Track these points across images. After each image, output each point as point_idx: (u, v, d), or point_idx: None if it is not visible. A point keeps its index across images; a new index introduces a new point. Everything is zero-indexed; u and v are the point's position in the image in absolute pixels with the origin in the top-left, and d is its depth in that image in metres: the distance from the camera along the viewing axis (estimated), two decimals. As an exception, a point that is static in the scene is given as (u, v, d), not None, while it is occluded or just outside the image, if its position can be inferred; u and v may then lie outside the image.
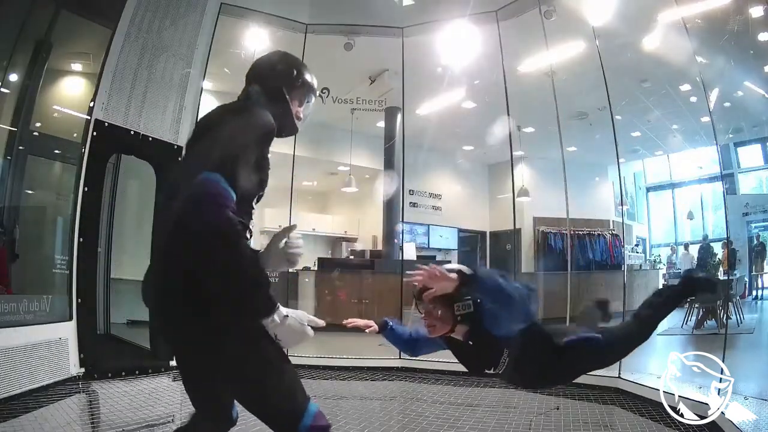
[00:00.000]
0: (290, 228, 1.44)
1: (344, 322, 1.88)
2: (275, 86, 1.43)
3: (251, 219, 1.33)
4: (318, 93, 1.58)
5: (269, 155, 1.35)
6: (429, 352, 1.90)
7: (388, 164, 7.82)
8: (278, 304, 1.20)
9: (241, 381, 1.25)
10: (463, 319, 1.61)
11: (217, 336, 1.20)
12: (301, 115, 1.51)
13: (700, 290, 2.30)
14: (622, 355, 2.19)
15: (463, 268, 1.50)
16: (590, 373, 3.84)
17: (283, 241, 1.43)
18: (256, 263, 1.25)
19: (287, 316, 1.21)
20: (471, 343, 1.68)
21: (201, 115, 4.73)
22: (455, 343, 1.73)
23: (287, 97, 1.45)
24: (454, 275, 1.47)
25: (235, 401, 1.39)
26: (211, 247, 1.10)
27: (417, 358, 4.71)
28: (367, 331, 1.87)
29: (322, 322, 1.30)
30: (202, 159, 1.20)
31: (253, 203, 1.33)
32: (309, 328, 1.26)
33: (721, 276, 8.36)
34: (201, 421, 1.41)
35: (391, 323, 1.90)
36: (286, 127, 1.47)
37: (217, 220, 1.09)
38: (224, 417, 1.40)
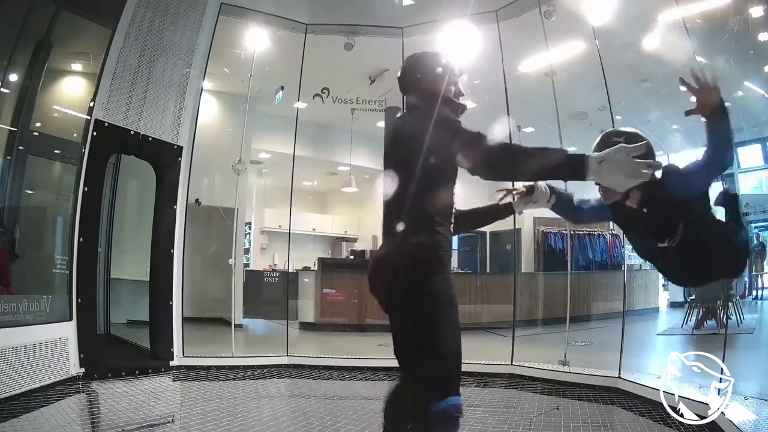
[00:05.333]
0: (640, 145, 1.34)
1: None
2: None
3: None
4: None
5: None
6: (592, 221, 2.13)
7: (388, 164, 7.81)
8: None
9: (421, 339, 1.47)
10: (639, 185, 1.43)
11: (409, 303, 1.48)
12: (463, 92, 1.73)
13: None
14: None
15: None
16: (590, 373, 3.87)
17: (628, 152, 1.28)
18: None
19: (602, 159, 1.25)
20: (645, 210, 1.71)
21: (201, 114, 4.77)
22: (626, 212, 1.79)
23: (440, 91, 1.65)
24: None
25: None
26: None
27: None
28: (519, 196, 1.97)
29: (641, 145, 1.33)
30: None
31: None
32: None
33: (721, 276, 8.35)
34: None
35: (558, 190, 1.96)
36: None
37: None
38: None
